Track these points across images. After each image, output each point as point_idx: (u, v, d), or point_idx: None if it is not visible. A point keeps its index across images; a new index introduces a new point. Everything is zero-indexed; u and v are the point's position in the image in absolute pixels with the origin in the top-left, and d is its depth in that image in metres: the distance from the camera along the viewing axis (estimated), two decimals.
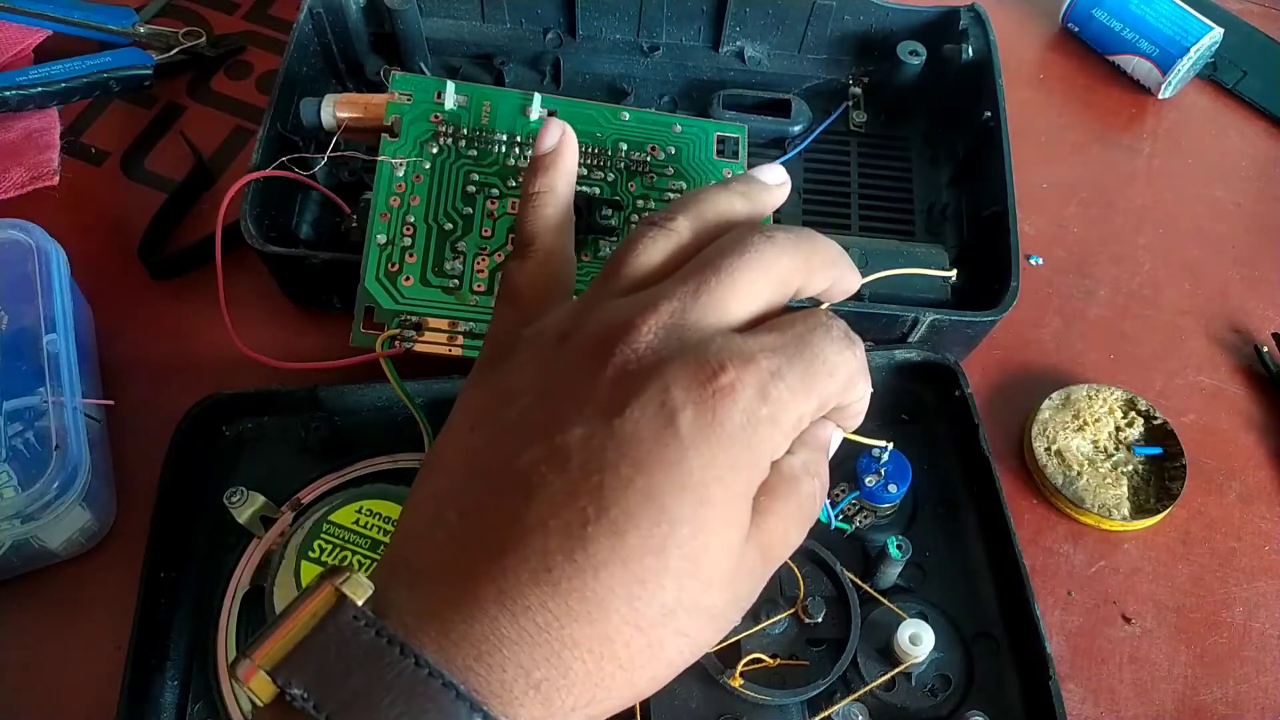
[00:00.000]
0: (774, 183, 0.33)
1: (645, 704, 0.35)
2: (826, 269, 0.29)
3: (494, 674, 0.22)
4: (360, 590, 0.23)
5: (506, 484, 0.24)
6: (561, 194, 0.32)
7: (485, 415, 0.27)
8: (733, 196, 0.31)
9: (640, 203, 0.41)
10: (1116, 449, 0.45)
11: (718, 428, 0.24)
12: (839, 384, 0.27)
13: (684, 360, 0.25)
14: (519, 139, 0.41)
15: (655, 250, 0.28)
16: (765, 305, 0.28)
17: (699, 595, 0.24)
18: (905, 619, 0.37)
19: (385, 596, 0.24)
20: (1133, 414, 0.46)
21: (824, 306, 0.31)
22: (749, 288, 0.27)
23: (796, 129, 0.51)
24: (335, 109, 0.40)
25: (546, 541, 0.23)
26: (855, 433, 0.31)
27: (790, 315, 0.27)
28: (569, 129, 0.33)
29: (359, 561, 0.36)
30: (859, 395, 0.28)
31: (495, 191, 0.40)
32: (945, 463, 0.42)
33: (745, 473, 0.25)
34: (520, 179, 0.37)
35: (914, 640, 0.36)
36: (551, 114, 0.41)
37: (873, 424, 0.33)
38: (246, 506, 0.38)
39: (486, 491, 0.25)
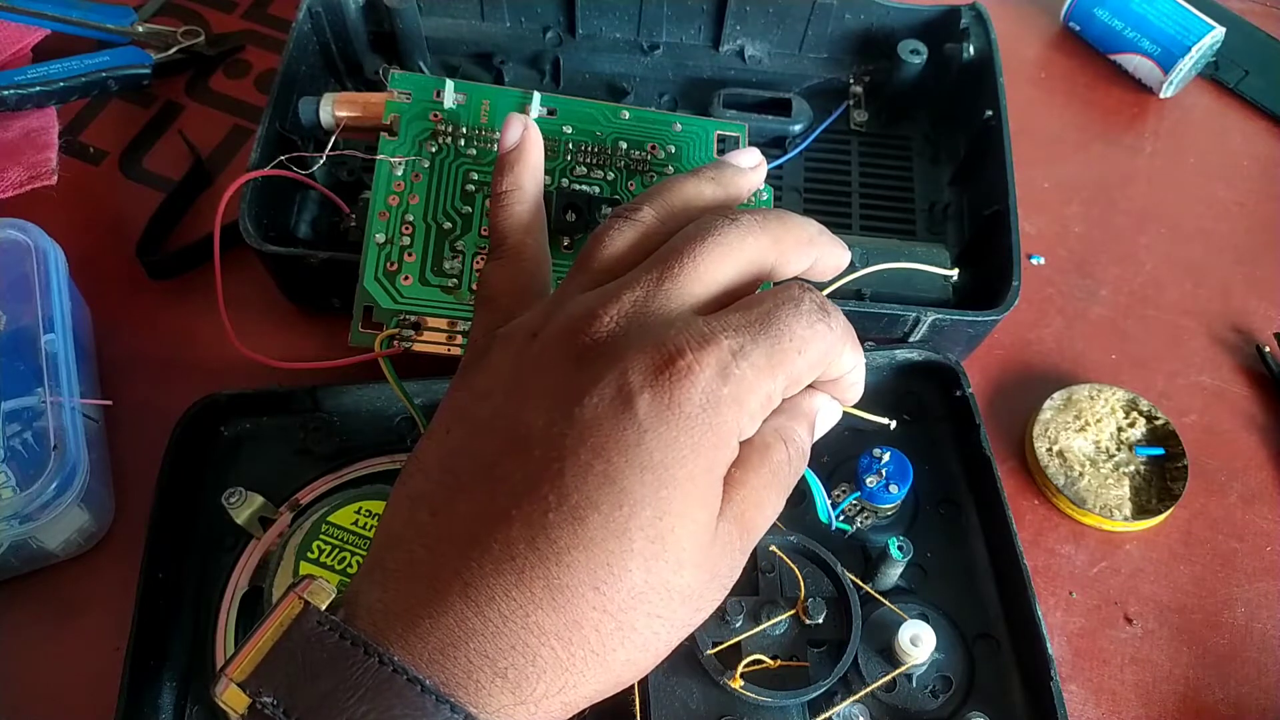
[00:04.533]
0: (747, 165, 0.32)
1: (645, 705, 0.35)
2: (802, 247, 0.29)
3: (459, 665, 0.22)
4: (322, 596, 0.24)
5: (474, 479, 0.24)
6: (529, 191, 0.32)
7: (460, 416, 0.27)
8: (701, 182, 0.30)
9: None
10: (1118, 449, 0.45)
11: (675, 409, 0.24)
12: (811, 359, 0.26)
13: (642, 345, 0.25)
14: None
15: (621, 240, 0.28)
16: (732, 288, 0.27)
17: (669, 577, 0.24)
18: (906, 620, 0.36)
19: (359, 599, 0.24)
20: (1134, 414, 0.46)
21: (825, 291, 0.30)
22: (713, 271, 0.27)
23: (797, 128, 0.51)
24: (334, 108, 0.40)
25: (509, 531, 0.23)
26: (858, 408, 0.31)
27: (759, 293, 0.27)
28: (532, 124, 0.33)
29: (357, 562, 0.36)
30: (846, 366, 0.28)
31: None
32: (946, 463, 0.42)
33: (709, 453, 0.24)
34: None
35: (915, 641, 0.36)
36: (552, 112, 0.41)
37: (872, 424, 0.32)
38: (245, 507, 0.38)
39: (456, 489, 0.25)
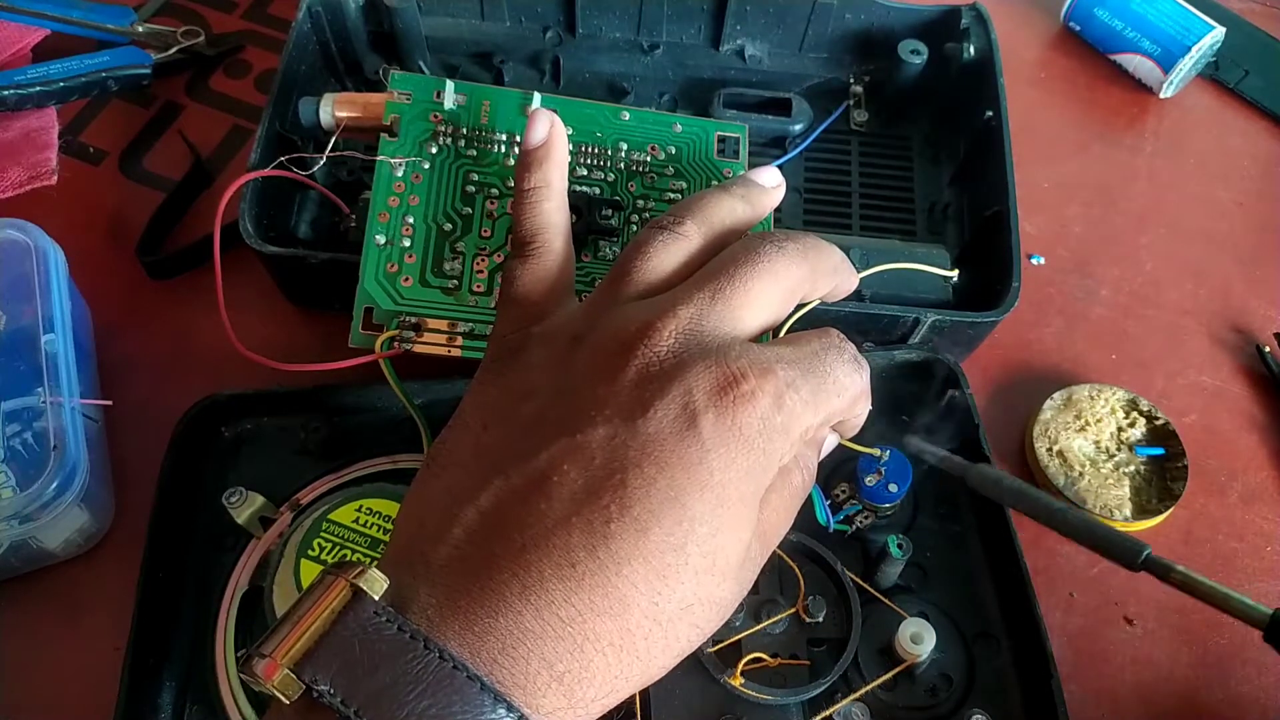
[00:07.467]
0: (771, 185, 0.34)
1: (646, 703, 0.35)
2: (829, 275, 0.31)
3: (518, 666, 0.23)
4: (377, 585, 0.23)
5: (526, 481, 0.25)
6: (558, 188, 0.32)
7: (499, 413, 0.27)
8: (735, 201, 0.32)
9: (640, 203, 0.41)
10: (1118, 449, 0.45)
11: (736, 432, 0.25)
12: (844, 403, 0.28)
13: (706, 365, 0.25)
14: (519, 138, 0.40)
15: (667, 255, 0.29)
16: (776, 314, 0.29)
17: (713, 589, 0.25)
18: (906, 618, 0.36)
19: (403, 592, 0.24)
20: (1134, 414, 0.46)
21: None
22: (761, 296, 0.28)
23: (797, 128, 0.51)
24: (334, 108, 0.40)
25: (569, 538, 0.23)
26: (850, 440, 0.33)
27: (806, 332, 0.29)
28: (557, 118, 0.33)
29: (359, 559, 0.36)
30: (859, 413, 0.30)
31: (495, 191, 0.40)
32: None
33: (759, 476, 0.26)
34: None
35: (915, 639, 0.36)
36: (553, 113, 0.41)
37: (874, 425, 0.33)
38: (245, 507, 0.38)
39: (506, 488, 0.25)
